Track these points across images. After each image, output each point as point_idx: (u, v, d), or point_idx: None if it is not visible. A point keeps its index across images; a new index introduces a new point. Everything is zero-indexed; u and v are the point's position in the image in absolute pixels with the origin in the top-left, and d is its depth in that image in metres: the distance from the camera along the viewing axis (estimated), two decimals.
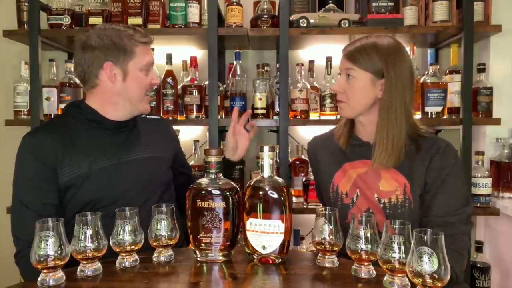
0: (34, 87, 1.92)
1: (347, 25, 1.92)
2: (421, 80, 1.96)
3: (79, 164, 1.23)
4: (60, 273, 0.91)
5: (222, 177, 1.05)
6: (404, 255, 0.84)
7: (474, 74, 1.91)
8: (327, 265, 1.00)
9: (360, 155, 1.28)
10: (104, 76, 1.27)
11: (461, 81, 1.90)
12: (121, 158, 1.29)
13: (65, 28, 1.97)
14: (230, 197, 1.01)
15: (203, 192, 1.02)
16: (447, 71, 1.98)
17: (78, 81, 1.92)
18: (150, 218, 1.04)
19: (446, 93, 1.93)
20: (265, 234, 1.01)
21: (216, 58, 1.91)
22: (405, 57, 1.22)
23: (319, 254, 1.02)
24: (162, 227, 1.03)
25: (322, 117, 2.01)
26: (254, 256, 1.03)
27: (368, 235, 0.92)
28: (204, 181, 1.04)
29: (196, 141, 2.10)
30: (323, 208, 1.01)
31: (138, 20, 1.92)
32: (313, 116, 2.02)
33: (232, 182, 1.06)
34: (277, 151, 1.91)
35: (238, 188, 1.06)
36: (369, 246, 0.92)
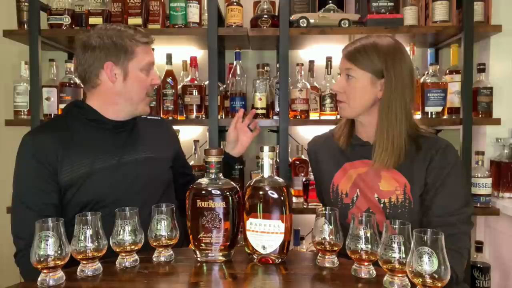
0: (34, 87, 1.92)
1: (347, 25, 1.91)
2: (421, 80, 1.96)
3: (79, 164, 1.23)
4: (60, 273, 0.90)
5: (222, 177, 1.05)
6: (404, 255, 0.84)
7: (474, 74, 1.91)
8: (327, 265, 1.00)
9: (360, 155, 1.28)
10: (104, 76, 1.27)
11: (461, 81, 1.90)
12: (121, 158, 1.29)
13: (65, 28, 1.97)
14: (230, 197, 1.01)
15: (203, 192, 1.02)
16: (447, 71, 1.98)
17: (78, 81, 1.92)
18: (150, 218, 1.04)
19: (446, 93, 1.93)
20: (265, 234, 1.01)
21: (216, 58, 1.91)
22: (405, 57, 1.22)
23: (319, 254, 1.02)
24: (162, 227, 1.03)
25: (322, 117, 2.01)
26: (254, 256, 1.03)
27: (368, 235, 0.92)
28: (204, 181, 1.04)
29: (196, 141, 2.10)
30: (323, 208, 1.01)
31: (138, 20, 1.92)
32: (313, 116, 2.02)
33: (232, 182, 1.06)
34: (277, 151, 1.91)
35: (238, 188, 1.06)
36: (369, 246, 0.92)
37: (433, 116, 1.93)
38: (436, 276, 0.77)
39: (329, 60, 2.05)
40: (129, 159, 1.31)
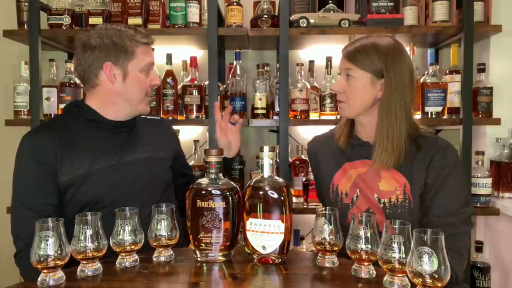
0: (34, 87, 1.92)
1: (347, 25, 1.91)
2: (421, 80, 1.96)
3: (78, 164, 1.23)
4: (60, 273, 0.90)
5: (222, 177, 1.05)
6: (404, 255, 0.84)
7: (474, 74, 1.91)
8: (327, 265, 1.00)
9: (360, 155, 1.28)
10: (103, 76, 1.27)
11: (461, 81, 1.90)
12: (120, 159, 1.29)
13: (65, 28, 1.97)
14: (230, 197, 1.01)
15: (203, 192, 1.02)
16: (447, 71, 1.98)
17: (78, 81, 1.92)
18: (150, 218, 1.04)
19: (446, 93, 1.93)
20: (265, 234, 1.01)
21: (216, 58, 1.91)
22: (405, 57, 1.22)
23: (319, 254, 1.02)
24: (162, 227, 1.03)
25: (322, 117, 2.01)
26: (254, 256, 1.03)
27: (368, 235, 0.92)
28: (204, 181, 1.04)
29: (196, 141, 2.10)
30: (323, 208, 1.01)
31: (138, 20, 1.92)
32: (313, 116, 2.02)
33: (232, 182, 1.06)
34: (277, 151, 1.91)
35: (238, 188, 1.06)
36: (369, 246, 0.92)
37: (433, 116, 1.93)
38: (436, 276, 0.77)
39: (329, 60, 2.05)
40: (129, 159, 1.31)
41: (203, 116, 2.00)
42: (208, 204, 1.01)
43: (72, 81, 1.95)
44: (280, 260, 1.02)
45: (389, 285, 0.87)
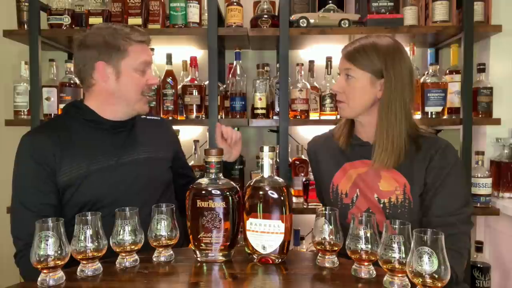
0: (34, 87, 1.92)
1: (347, 25, 1.91)
2: (421, 80, 1.96)
3: (77, 165, 1.23)
4: (60, 273, 0.90)
5: (222, 177, 1.05)
6: (404, 255, 0.84)
7: (474, 74, 1.91)
8: (327, 265, 1.00)
9: (360, 155, 1.28)
10: (97, 76, 1.26)
11: (461, 81, 1.90)
12: (120, 159, 1.29)
13: (65, 28, 1.97)
14: (230, 197, 1.01)
15: (203, 192, 1.02)
16: (447, 71, 1.98)
17: (78, 81, 1.92)
18: (150, 218, 1.04)
19: (446, 93, 1.93)
20: (265, 234, 1.01)
21: (216, 58, 1.91)
22: (405, 57, 1.22)
23: (319, 254, 1.02)
24: (162, 227, 1.03)
25: (322, 117, 2.02)
26: (254, 256, 1.03)
27: (368, 235, 0.92)
28: (204, 181, 1.04)
29: (196, 141, 2.10)
30: (323, 208, 1.01)
31: (138, 20, 1.92)
32: (313, 116, 2.02)
33: (232, 182, 1.06)
34: (277, 151, 1.91)
35: (238, 188, 1.06)
36: (369, 246, 0.92)
37: (433, 116, 1.93)
38: (436, 276, 0.77)
39: (329, 60, 2.05)
40: (128, 160, 1.30)
41: (203, 116, 2.00)
42: (208, 204, 1.01)
43: (72, 81, 1.95)
44: (280, 260, 1.02)
45: (389, 285, 0.87)
